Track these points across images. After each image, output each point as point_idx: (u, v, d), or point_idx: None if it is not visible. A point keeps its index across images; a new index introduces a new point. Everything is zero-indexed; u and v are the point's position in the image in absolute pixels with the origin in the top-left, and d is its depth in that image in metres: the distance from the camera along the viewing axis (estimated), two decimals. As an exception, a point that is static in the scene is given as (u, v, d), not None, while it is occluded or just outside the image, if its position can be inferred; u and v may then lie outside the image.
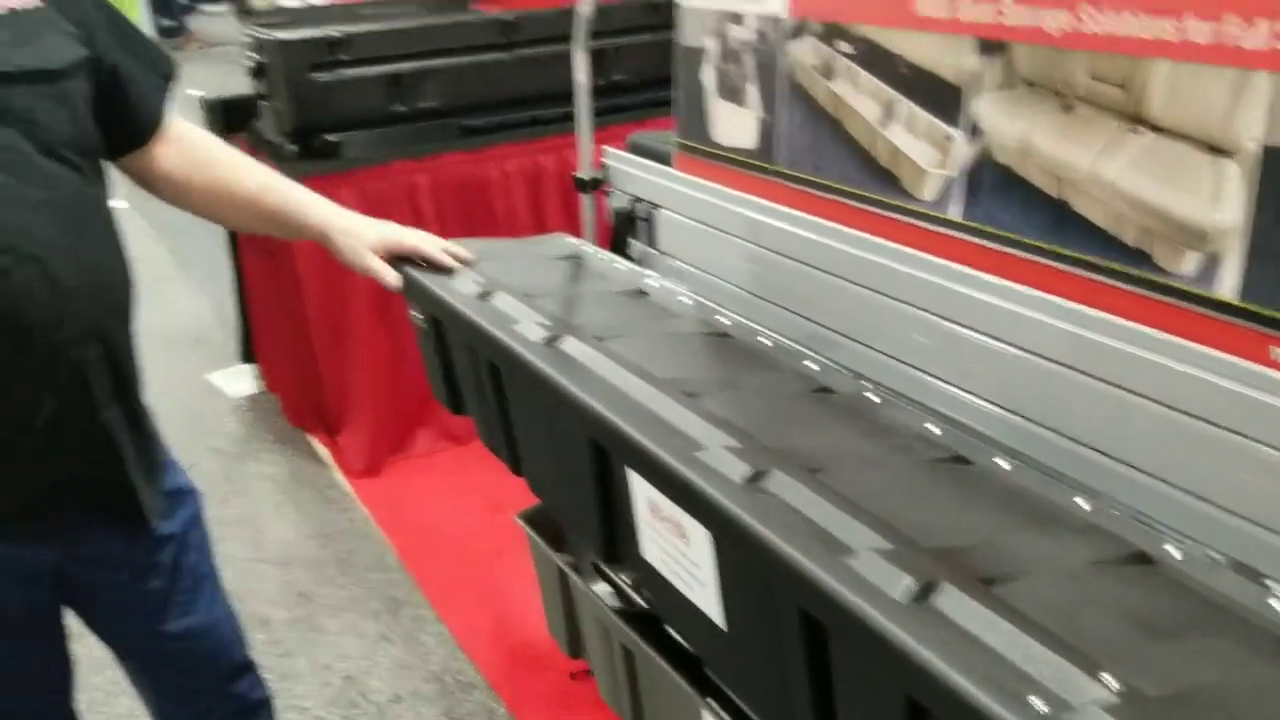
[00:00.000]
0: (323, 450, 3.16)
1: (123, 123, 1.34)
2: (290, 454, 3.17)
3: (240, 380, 3.55)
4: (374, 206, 2.87)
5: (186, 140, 1.41)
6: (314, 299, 2.95)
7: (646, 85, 3.10)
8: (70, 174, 1.22)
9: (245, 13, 3.08)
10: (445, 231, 2.89)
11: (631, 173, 1.75)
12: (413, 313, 1.54)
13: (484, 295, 1.35)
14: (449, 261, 1.47)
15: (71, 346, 1.22)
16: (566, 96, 3.08)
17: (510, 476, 1.42)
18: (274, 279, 3.15)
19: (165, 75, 1.38)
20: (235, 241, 3.36)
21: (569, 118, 3.10)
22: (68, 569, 1.37)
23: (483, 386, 1.34)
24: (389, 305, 2.94)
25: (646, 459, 0.95)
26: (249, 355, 3.55)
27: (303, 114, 2.88)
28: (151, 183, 1.41)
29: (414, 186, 2.93)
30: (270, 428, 3.32)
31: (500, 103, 3.07)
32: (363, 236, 1.45)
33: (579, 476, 1.13)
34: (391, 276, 1.45)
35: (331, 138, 2.89)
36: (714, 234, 1.54)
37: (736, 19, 1.49)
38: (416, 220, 3.02)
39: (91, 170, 1.27)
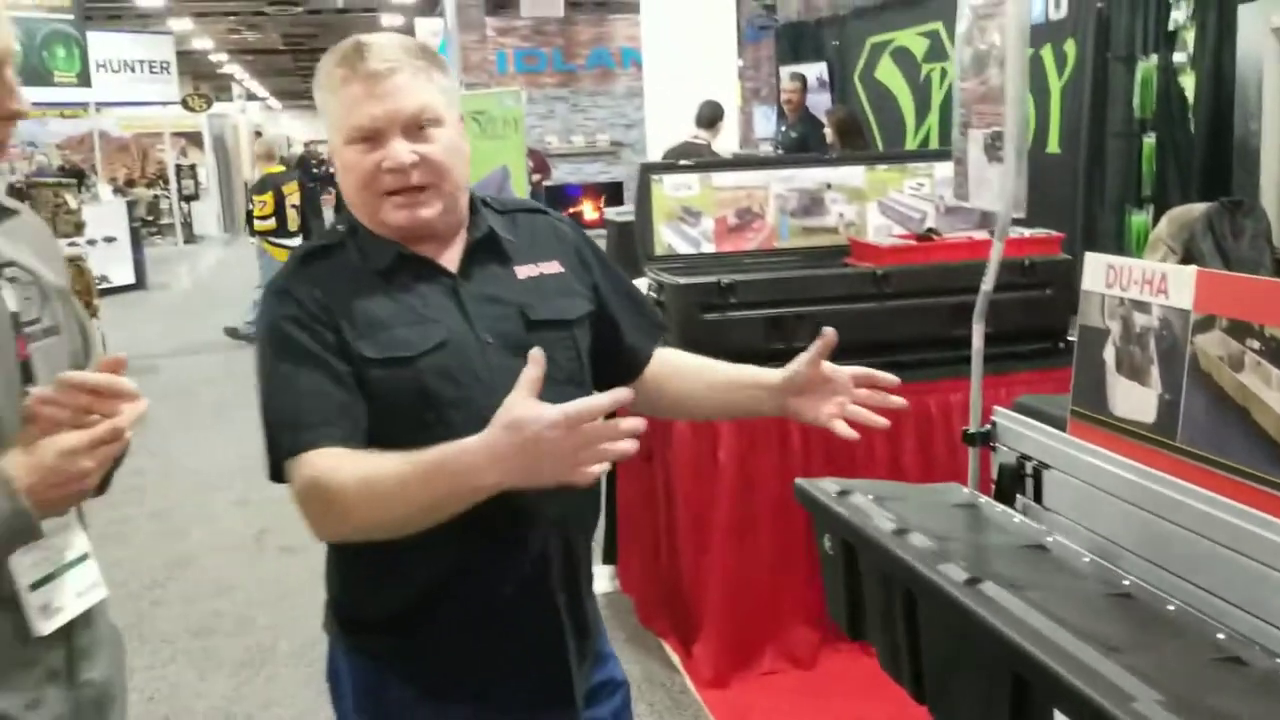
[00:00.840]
0: (673, 655, 3.38)
1: (616, 363, 1.67)
2: (642, 655, 3.41)
3: (599, 579, 3.87)
4: (745, 433, 3.17)
5: (663, 359, 1.70)
6: (685, 508, 3.24)
7: (1009, 338, 3.27)
8: (566, 400, 1.54)
9: (649, 258, 3.52)
10: (809, 463, 3.17)
11: (1022, 432, 1.91)
12: (823, 540, 1.74)
13: (900, 532, 1.54)
14: (890, 379, 1.61)
15: (540, 534, 1.50)
16: (926, 344, 3.33)
17: (855, 711, 1.55)
18: (646, 486, 3.47)
19: (658, 326, 1.71)
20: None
21: (926, 364, 3.34)
22: None
23: (893, 615, 1.51)
24: (751, 522, 3.19)
25: (1081, 701, 1.09)
26: (610, 556, 3.87)
27: (691, 346, 3.21)
28: (641, 401, 1.71)
29: (784, 418, 3.19)
30: (623, 627, 3.59)
31: (866, 347, 3.31)
32: (799, 361, 1.59)
33: (994, 709, 1.27)
34: (842, 428, 1.59)
35: (715, 369, 3.23)
36: (1107, 498, 1.66)
37: (1141, 307, 1.66)
38: (783, 449, 3.28)
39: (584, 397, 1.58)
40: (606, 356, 1.64)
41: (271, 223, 9.04)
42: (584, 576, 1.60)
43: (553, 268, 1.57)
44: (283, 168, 9.67)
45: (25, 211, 1.39)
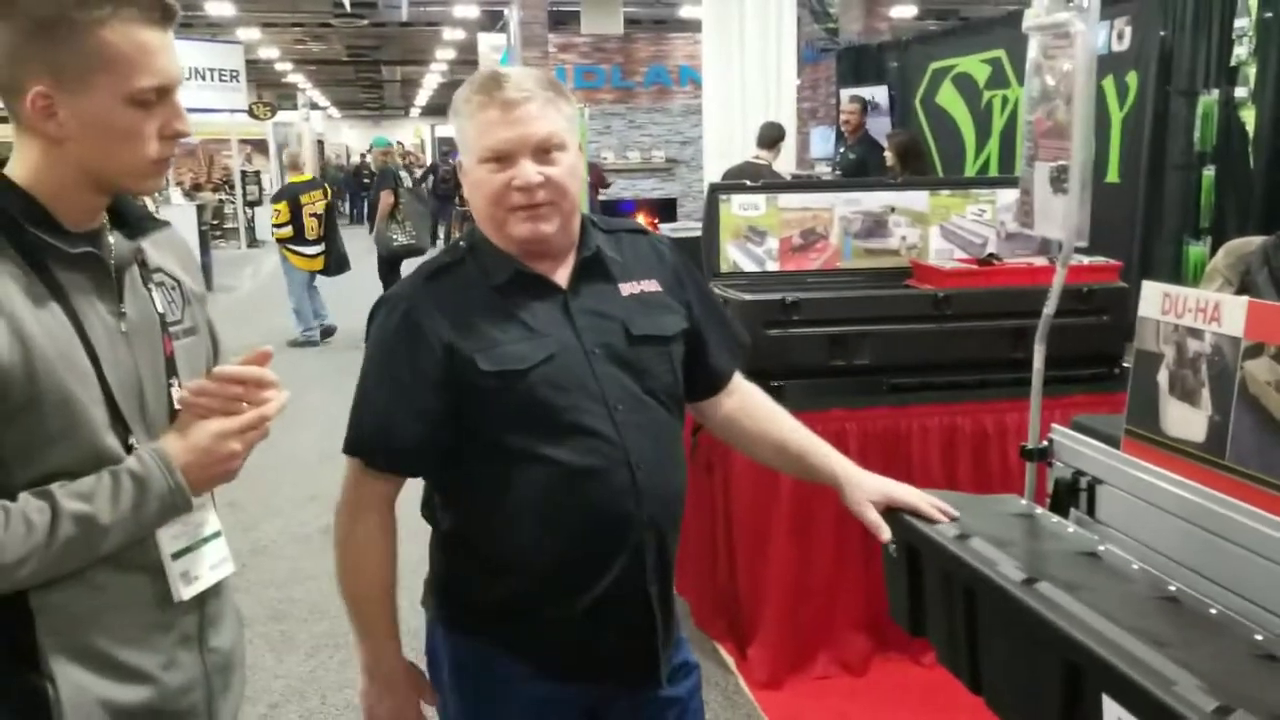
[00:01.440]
0: (727, 656, 3.50)
1: (700, 378, 1.81)
2: (697, 655, 3.52)
3: (657, 582, 4.00)
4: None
5: (741, 392, 1.86)
6: (743, 518, 3.36)
7: (1066, 362, 3.36)
8: (661, 409, 1.69)
9: (714, 274, 3.65)
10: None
11: (1078, 449, 2.02)
12: (887, 544, 1.86)
13: (962, 537, 1.66)
14: (939, 516, 1.69)
15: (636, 532, 1.64)
16: (984, 365, 3.42)
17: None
18: (706, 494, 3.60)
19: (741, 345, 1.85)
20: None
21: (985, 385, 3.44)
22: (599, 711, 1.77)
23: (954, 612, 1.63)
24: (808, 529, 3.30)
25: (1128, 686, 1.21)
26: (668, 561, 3.99)
27: (754, 361, 3.35)
28: (711, 420, 1.87)
29: (843, 432, 3.31)
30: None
31: (926, 366, 3.43)
32: (867, 490, 1.74)
33: (1048, 698, 1.39)
34: (885, 533, 1.71)
35: (776, 383, 3.35)
36: (1157, 512, 1.78)
37: (1194, 333, 1.77)
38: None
39: (675, 409, 1.74)
40: (690, 371, 1.78)
41: (288, 230, 9.37)
42: (671, 569, 1.74)
43: (652, 286, 1.72)
44: (308, 176, 10.00)
45: (173, 226, 1.55)
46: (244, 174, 19.15)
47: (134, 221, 1.43)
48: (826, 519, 3.29)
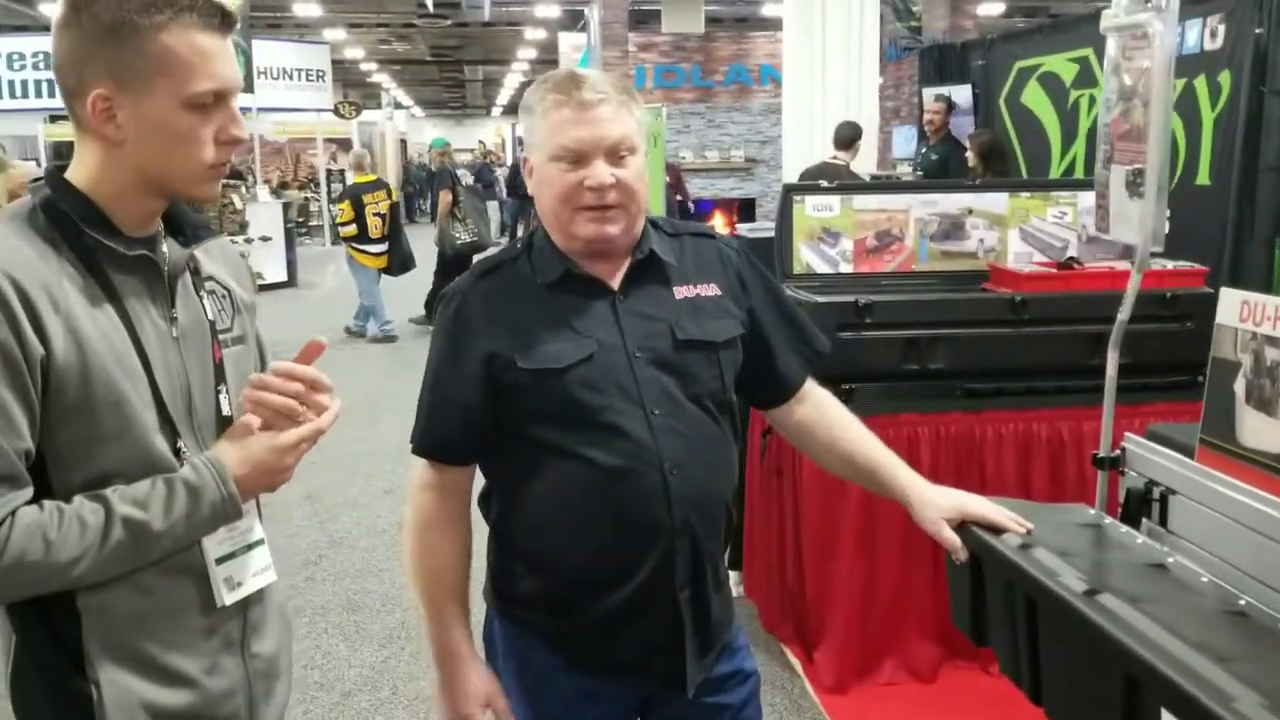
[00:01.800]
0: (794, 660, 3.49)
1: (767, 385, 1.80)
2: (764, 658, 3.52)
3: (725, 583, 4.00)
4: (877, 450, 3.26)
5: (814, 399, 1.84)
6: (812, 522, 3.35)
7: (1148, 369, 3.30)
8: (704, 416, 1.69)
9: (786, 275, 3.64)
10: (937, 481, 3.23)
11: (1151, 458, 1.98)
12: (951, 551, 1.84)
13: (1025, 545, 1.64)
14: (1014, 527, 1.66)
15: (667, 536, 1.64)
16: (1062, 372, 3.36)
17: None
18: (776, 497, 3.59)
19: (817, 351, 1.83)
20: (742, 463, 3.87)
21: (1062, 391, 3.38)
22: (645, 709, 1.78)
23: (1015, 622, 1.62)
24: (877, 535, 3.28)
25: (1185, 700, 1.19)
26: (736, 562, 3.99)
27: (825, 366, 3.33)
28: (783, 426, 1.86)
29: (915, 437, 3.28)
30: (746, 631, 3.70)
31: (1001, 371, 3.38)
32: (940, 507, 1.70)
33: (1107, 711, 1.36)
34: (961, 553, 1.69)
35: (847, 386, 3.33)
36: (1231, 524, 1.73)
37: (1273, 341, 1.73)
38: (911, 466, 3.36)
39: (720, 416, 1.72)
40: (757, 377, 1.78)
41: (353, 229, 9.61)
42: (710, 576, 1.71)
43: (710, 290, 1.72)
44: (372, 177, 10.20)
45: (225, 237, 1.59)
46: (329, 172, 19.53)
47: (188, 230, 1.45)
48: (895, 523, 3.26)
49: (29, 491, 1.24)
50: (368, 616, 3.99)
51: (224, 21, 1.32)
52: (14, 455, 1.22)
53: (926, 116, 8.50)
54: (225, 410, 1.43)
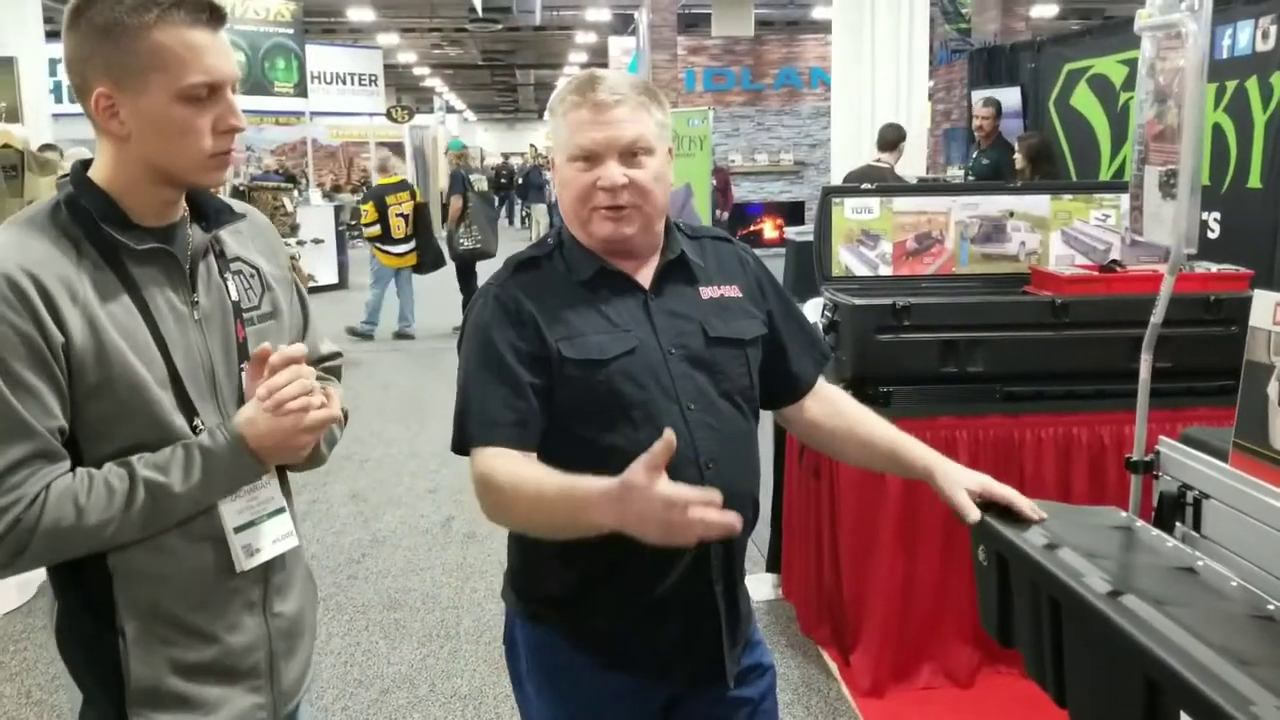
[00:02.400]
0: (831, 663, 3.48)
1: (783, 384, 1.82)
2: (801, 660, 3.52)
3: (762, 586, 4.00)
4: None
5: (823, 394, 1.86)
6: (850, 524, 3.34)
7: (1190, 374, 3.25)
8: (735, 412, 1.71)
9: (825, 278, 3.63)
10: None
11: (1184, 462, 1.96)
12: (977, 551, 1.83)
13: (1051, 546, 1.63)
14: (1032, 515, 1.67)
15: None
16: (1103, 375, 3.33)
17: None
18: (813, 499, 3.58)
19: (823, 355, 1.86)
20: (780, 465, 3.88)
21: (1102, 395, 3.34)
22: (669, 706, 1.79)
23: (1040, 623, 1.61)
24: (915, 538, 3.26)
25: (1202, 703, 1.18)
26: (774, 565, 4.00)
27: (862, 366, 3.34)
28: (795, 424, 1.88)
29: (953, 440, 3.25)
30: (784, 633, 3.71)
31: (1041, 375, 3.35)
32: (962, 478, 1.72)
33: (1128, 713, 1.35)
34: (973, 514, 1.68)
35: (884, 388, 3.32)
36: (1265, 529, 1.71)
37: (1306, 345, 1.70)
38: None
39: (750, 412, 1.75)
40: (771, 378, 1.80)
41: (377, 229, 9.85)
42: (739, 568, 1.75)
43: (733, 291, 1.75)
44: (397, 179, 10.41)
45: (253, 213, 1.65)
46: (382, 176, 19.70)
47: (211, 215, 1.52)
48: (934, 527, 3.25)
49: (65, 464, 1.36)
50: (408, 614, 4.03)
51: (212, 17, 1.39)
52: (47, 433, 1.33)
53: (976, 121, 8.41)
54: (247, 385, 1.50)
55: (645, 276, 1.69)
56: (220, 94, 1.41)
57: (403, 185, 10.25)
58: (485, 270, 5.03)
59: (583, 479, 1.43)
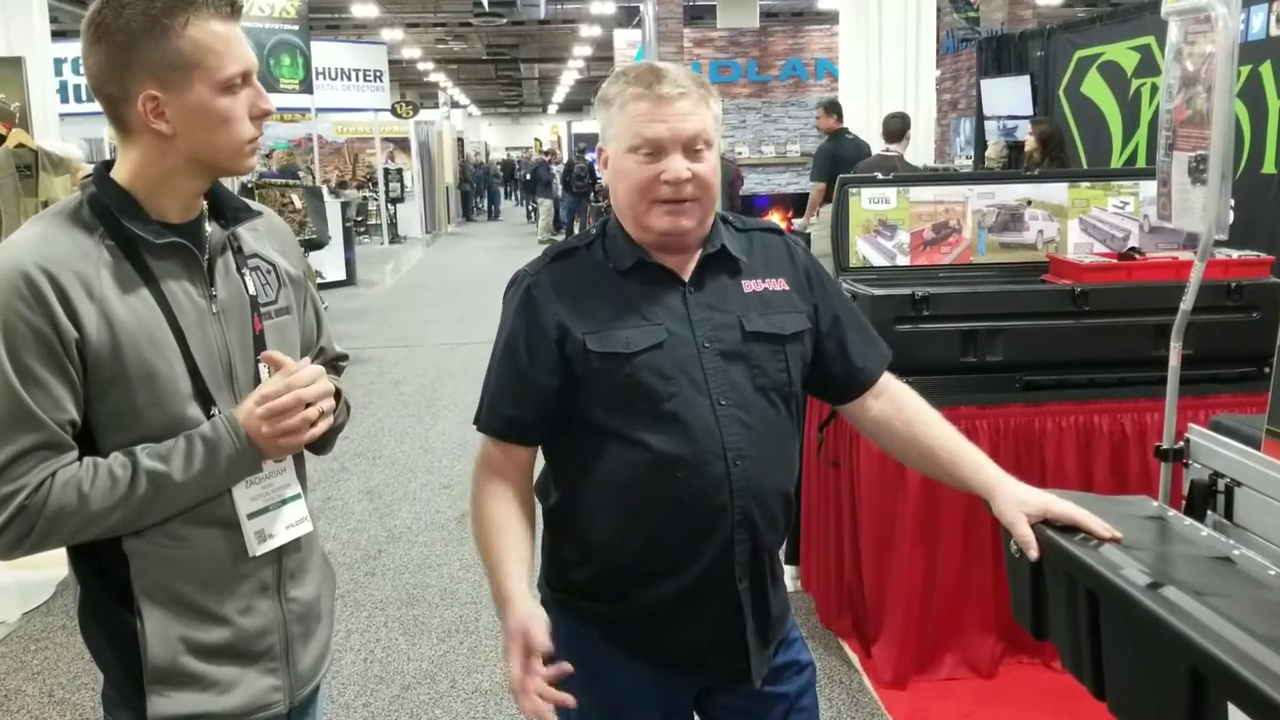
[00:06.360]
0: (852, 654, 3.47)
1: (844, 378, 1.79)
2: (821, 652, 3.51)
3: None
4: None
5: (891, 393, 1.81)
6: (870, 515, 3.32)
7: (1212, 361, 3.24)
8: (769, 408, 1.68)
9: (843, 268, 3.62)
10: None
11: (1215, 450, 1.95)
12: (1009, 543, 1.82)
13: (1085, 538, 1.61)
14: (1105, 534, 1.57)
15: (727, 526, 1.64)
16: (1123, 363, 3.32)
17: None
18: (833, 490, 3.57)
19: (885, 355, 1.82)
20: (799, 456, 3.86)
21: (1124, 383, 3.32)
22: (703, 699, 1.78)
23: (1077, 616, 1.59)
24: (936, 529, 3.25)
25: (1253, 694, 1.16)
26: (794, 557, 3.98)
27: (883, 358, 3.32)
28: (860, 421, 1.84)
29: (974, 430, 3.23)
30: (804, 625, 3.69)
31: (1061, 363, 3.33)
32: (1025, 503, 1.62)
33: (1173, 705, 1.34)
34: (1033, 550, 1.59)
35: (904, 379, 3.29)
36: (1299, 517, 1.70)
37: (1342, 331, 1.69)
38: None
39: (785, 408, 1.72)
40: (830, 373, 1.77)
41: None
42: (769, 567, 1.72)
43: (779, 285, 1.72)
44: None
45: (269, 214, 1.68)
46: (387, 171, 19.70)
47: (228, 213, 1.55)
48: (955, 517, 3.23)
49: (72, 454, 1.39)
50: (426, 610, 4.03)
51: (233, 9, 1.44)
52: (55, 425, 1.37)
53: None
54: (265, 377, 1.53)
55: (686, 269, 1.68)
56: (250, 81, 1.46)
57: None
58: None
59: (514, 574, 1.60)
